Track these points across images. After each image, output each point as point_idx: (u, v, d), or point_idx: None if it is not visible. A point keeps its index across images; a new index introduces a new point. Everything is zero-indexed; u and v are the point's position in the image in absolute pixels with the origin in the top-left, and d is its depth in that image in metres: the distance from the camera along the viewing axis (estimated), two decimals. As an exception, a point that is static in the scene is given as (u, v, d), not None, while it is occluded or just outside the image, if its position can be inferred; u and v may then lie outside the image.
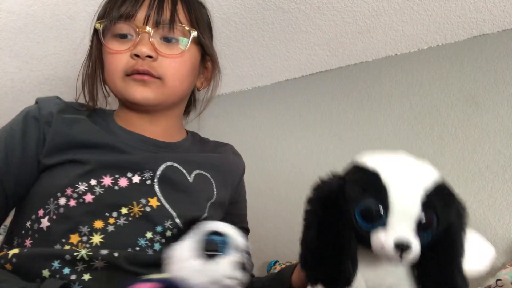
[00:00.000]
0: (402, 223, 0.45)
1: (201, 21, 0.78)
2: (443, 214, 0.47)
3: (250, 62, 1.65)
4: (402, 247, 0.44)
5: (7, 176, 0.68)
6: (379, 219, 0.46)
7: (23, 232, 0.66)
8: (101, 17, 0.77)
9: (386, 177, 0.47)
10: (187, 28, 0.75)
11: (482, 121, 1.33)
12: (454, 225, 0.49)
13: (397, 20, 1.37)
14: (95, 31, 0.78)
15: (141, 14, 0.72)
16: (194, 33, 0.75)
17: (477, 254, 0.51)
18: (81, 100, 0.82)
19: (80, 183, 0.66)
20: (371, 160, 0.50)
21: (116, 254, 0.60)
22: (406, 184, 0.47)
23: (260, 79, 1.80)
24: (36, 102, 0.74)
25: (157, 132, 0.79)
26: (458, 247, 0.49)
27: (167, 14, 0.72)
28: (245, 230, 0.85)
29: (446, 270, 0.48)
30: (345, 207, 0.48)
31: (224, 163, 0.80)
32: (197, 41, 0.78)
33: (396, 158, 0.51)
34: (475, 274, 0.49)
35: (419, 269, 0.49)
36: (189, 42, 0.75)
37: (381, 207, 0.46)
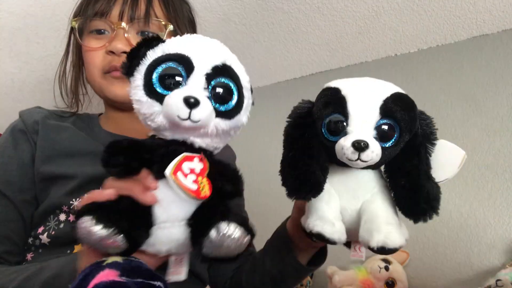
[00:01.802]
0: (361, 129, 0.48)
1: (179, 16, 0.78)
2: (403, 120, 0.48)
3: (250, 62, 1.66)
4: (359, 147, 0.46)
5: (11, 187, 0.68)
6: (342, 129, 0.49)
7: (25, 247, 0.68)
8: (76, 14, 0.76)
9: (346, 90, 0.50)
10: (163, 23, 0.74)
11: (481, 121, 1.33)
12: (419, 135, 0.50)
13: (397, 20, 1.37)
14: (72, 29, 0.78)
15: (115, 10, 0.72)
16: (170, 27, 0.75)
17: (446, 160, 0.51)
18: (61, 104, 0.82)
19: (74, 199, 0.67)
20: (336, 82, 0.53)
21: None
22: (364, 94, 0.49)
23: (260, 79, 1.80)
24: (20, 116, 0.75)
25: (146, 131, 0.78)
26: (424, 156, 0.50)
27: (142, 9, 0.72)
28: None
29: (414, 178, 0.49)
30: (314, 125, 0.52)
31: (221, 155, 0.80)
32: (174, 35, 0.78)
33: (358, 78, 0.53)
34: (446, 180, 0.50)
35: (389, 179, 0.51)
36: (165, 36, 0.74)
37: (341, 117, 0.49)
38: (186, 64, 0.46)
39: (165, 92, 0.45)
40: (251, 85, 0.52)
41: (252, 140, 1.73)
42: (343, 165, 0.51)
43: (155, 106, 0.46)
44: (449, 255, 1.27)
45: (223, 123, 0.48)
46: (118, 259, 0.43)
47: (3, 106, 1.83)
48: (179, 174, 0.45)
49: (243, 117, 0.50)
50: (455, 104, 1.39)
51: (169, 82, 0.46)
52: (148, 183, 0.45)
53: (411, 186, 0.49)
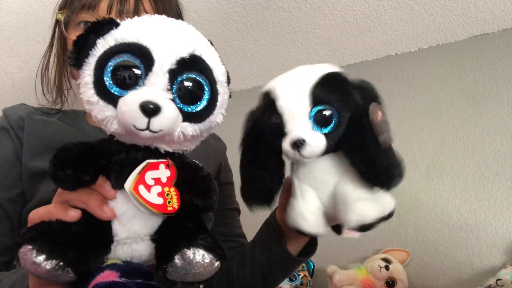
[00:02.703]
0: (295, 125, 0.48)
1: (168, 10, 0.77)
2: (335, 102, 0.48)
3: (250, 61, 1.65)
4: (296, 146, 0.47)
5: None
6: (282, 130, 0.49)
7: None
8: (62, 7, 0.74)
9: (275, 91, 0.50)
10: None
11: (482, 120, 1.33)
12: (358, 107, 0.49)
13: (398, 19, 1.37)
14: (57, 21, 0.75)
15: (104, 4, 0.69)
16: None
17: (381, 127, 0.50)
18: (44, 101, 0.81)
19: None
20: (267, 84, 0.53)
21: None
22: (291, 89, 0.49)
23: (260, 79, 1.80)
24: (3, 113, 0.73)
25: None
26: (368, 126, 0.49)
27: (131, 2, 0.70)
28: (236, 210, 0.85)
29: (366, 152, 0.49)
30: (262, 134, 0.53)
31: (206, 147, 0.80)
32: None
33: (288, 72, 0.52)
34: (388, 145, 0.50)
35: (347, 158, 0.51)
36: None
37: (278, 119, 0.49)
38: (144, 57, 0.38)
39: (119, 92, 0.38)
40: (228, 75, 0.45)
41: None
42: None
43: (107, 110, 0.38)
44: (450, 255, 1.27)
45: (191, 128, 0.40)
46: (117, 261, 0.42)
47: (3, 105, 1.83)
48: (141, 188, 0.39)
49: (217, 117, 0.43)
50: (456, 103, 1.39)
51: (124, 81, 0.38)
52: (105, 193, 0.40)
53: (365, 160, 0.49)
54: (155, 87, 0.38)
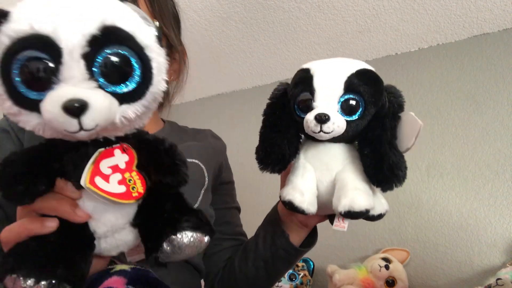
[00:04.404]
0: (324, 104, 0.50)
1: (164, 12, 0.77)
2: (366, 94, 0.50)
3: (250, 61, 1.66)
4: (320, 119, 0.49)
5: None
6: (310, 106, 0.51)
7: None
8: None
9: (314, 70, 0.53)
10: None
11: (482, 120, 1.33)
12: (384, 108, 0.52)
13: (398, 19, 1.37)
14: None
15: None
16: (156, 23, 0.73)
17: (406, 131, 0.53)
18: None
19: None
20: (308, 63, 0.55)
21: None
22: (329, 71, 0.52)
23: (260, 78, 1.80)
24: (4, 115, 0.73)
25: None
26: (388, 127, 0.52)
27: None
28: (237, 209, 0.86)
29: (377, 147, 0.51)
30: (288, 104, 0.55)
31: (207, 147, 0.80)
32: (160, 33, 0.76)
33: (330, 59, 0.55)
34: (406, 150, 0.52)
35: (358, 149, 0.54)
36: None
37: (309, 95, 0.51)
38: (48, 48, 0.32)
39: (38, 96, 0.32)
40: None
41: (252, 139, 1.72)
42: (317, 141, 0.55)
43: (33, 119, 0.34)
44: (450, 254, 1.28)
45: (132, 109, 0.35)
46: (126, 267, 0.42)
47: (4, 105, 1.83)
48: (98, 180, 0.35)
49: (158, 85, 0.37)
50: (456, 103, 1.39)
51: (37, 82, 0.32)
52: (71, 195, 0.37)
53: (374, 155, 0.51)
54: (73, 80, 0.32)
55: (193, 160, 0.74)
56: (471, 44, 1.42)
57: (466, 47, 1.42)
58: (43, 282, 0.33)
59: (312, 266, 1.45)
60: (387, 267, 1.22)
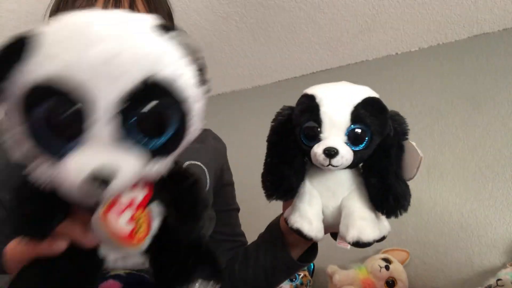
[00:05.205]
0: (332, 135, 0.51)
1: (161, 13, 0.77)
2: (373, 125, 0.51)
3: (250, 61, 1.65)
4: (329, 154, 0.50)
5: None
6: (317, 135, 0.52)
7: None
8: (54, 12, 0.72)
9: (319, 98, 0.53)
10: None
11: (482, 120, 1.33)
12: (390, 136, 0.53)
13: (398, 19, 1.37)
14: None
15: (97, 9, 0.68)
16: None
17: (409, 162, 0.54)
18: None
19: None
20: (312, 88, 0.56)
21: None
22: (336, 101, 0.52)
23: (260, 78, 1.80)
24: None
25: None
26: (394, 157, 0.53)
27: (125, 7, 0.69)
28: (237, 210, 0.86)
29: (384, 178, 0.52)
30: (293, 131, 0.56)
31: (208, 148, 0.80)
32: None
33: (334, 84, 0.56)
34: (409, 180, 0.54)
35: (364, 177, 0.55)
36: None
37: (315, 124, 0.52)
38: (82, 97, 0.28)
39: (61, 144, 0.29)
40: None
41: (252, 139, 1.72)
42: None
43: (51, 169, 0.30)
44: (450, 255, 1.27)
45: (165, 162, 0.33)
46: (121, 272, 0.42)
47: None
48: (111, 215, 0.31)
49: (195, 131, 0.34)
50: (456, 103, 1.39)
51: (63, 132, 0.29)
52: (82, 218, 0.35)
53: (381, 185, 0.52)
54: (104, 139, 0.28)
55: (195, 162, 0.74)
56: (471, 44, 1.41)
57: (466, 47, 1.42)
58: None
59: (312, 267, 1.45)
60: (387, 268, 1.22)
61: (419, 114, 1.42)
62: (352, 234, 0.50)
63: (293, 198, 0.57)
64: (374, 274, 1.22)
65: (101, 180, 0.27)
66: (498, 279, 1.02)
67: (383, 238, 0.55)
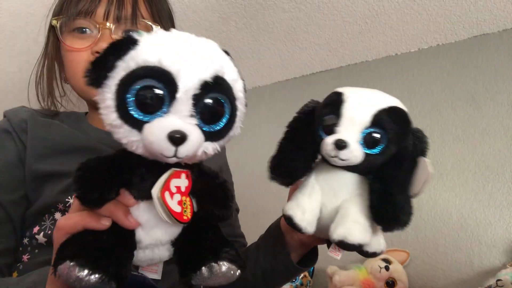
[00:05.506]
0: (347, 130, 0.50)
1: (162, 14, 0.76)
2: (392, 132, 0.50)
3: (250, 61, 1.65)
4: (338, 145, 0.49)
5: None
6: (334, 129, 0.52)
7: (20, 249, 0.67)
8: (57, 13, 0.73)
9: (347, 95, 0.52)
10: (150, 23, 0.73)
11: (482, 120, 1.33)
12: (407, 149, 0.52)
13: (397, 20, 1.37)
14: (52, 27, 0.75)
15: (100, 10, 0.69)
16: (157, 28, 0.73)
17: (417, 177, 0.52)
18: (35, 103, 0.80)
19: (69, 197, 0.65)
20: (344, 87, 0.55)
21: None
22: (362, 101, 0.52)
23: (260, 79, 1.80)
24: (4, 116, 0.73)
25: None
26: (406, 169, 0.51)
27: (128, 9, 0.70)
28: (236, 210, 0.86)
29: (388, 185, 0.51)
30: (313, 123, 0.55)
31: None
32: None
33: (367, 89, 0.55)
34: (414, 195, 0.52)
35: (370, 184, 0.54)
36: None
37: (335, 118, 0.52)
38: (167, 82, 0.38)
39: (143, 117, 0.38)
40: (244, 87, 0.46)
41: (252, 139, 1.73)
42: (332, 166, 0.54)
43: (132, 135, 0.39)
44: (450, 255, 1.27)
45: (213, 147, 0.42)
46: None
47: (4, 106, 1.83)
48: (166, 195, 0.40)
49: (235, 131, 0.44)
50: (456, 104, 1.39)
51: (148, 106, 0.38)
52: (127, 202, 0.42)
53: (382, 192, 0.51)
54: (180, 114, 0.38)
55: None
56: (471, 45, 1.41)
57: (466, 47, 1.42)
58: (96, 275, 0.36)
59: (312, 267, 1.45)
60: (387, 268, 1.22)
61: (419, 114, 1.42)
62: (339, 232, 0.49)
63: (292, 183, 0.57)
64: (374, 274, 1.22)
65: (177, 138, 0.36)
66: (498, 280, 1.02)
67: (374, 254, 0.54)
